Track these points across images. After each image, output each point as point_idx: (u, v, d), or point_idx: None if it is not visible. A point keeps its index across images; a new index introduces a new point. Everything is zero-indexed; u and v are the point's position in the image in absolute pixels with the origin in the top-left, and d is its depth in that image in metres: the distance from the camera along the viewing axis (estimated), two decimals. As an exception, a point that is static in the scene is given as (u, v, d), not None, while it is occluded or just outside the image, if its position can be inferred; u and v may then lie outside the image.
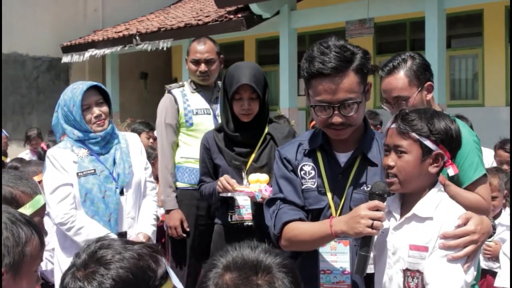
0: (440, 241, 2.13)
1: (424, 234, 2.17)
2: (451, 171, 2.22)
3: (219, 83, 4.34)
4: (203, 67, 4.19)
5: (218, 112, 4.18)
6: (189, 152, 4.14)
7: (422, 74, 2.81)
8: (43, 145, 5.17)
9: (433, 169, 2.21)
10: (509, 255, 3.23)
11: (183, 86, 4.29)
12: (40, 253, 1.73)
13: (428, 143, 2.19)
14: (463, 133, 2.59)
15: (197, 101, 4.22)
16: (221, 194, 3.47)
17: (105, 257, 1.48)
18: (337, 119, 2.32)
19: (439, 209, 2.20)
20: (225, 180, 3.37)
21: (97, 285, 1.44)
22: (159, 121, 4.22)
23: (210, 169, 3.59)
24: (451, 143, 2.22)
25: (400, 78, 2.79)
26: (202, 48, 4.23)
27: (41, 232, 1.76)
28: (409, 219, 2.22)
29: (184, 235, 4.06)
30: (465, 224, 2.14)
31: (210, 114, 4.20)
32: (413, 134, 2.19)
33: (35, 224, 1.76)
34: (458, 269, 2.11)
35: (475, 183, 2.52)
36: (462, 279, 2.10)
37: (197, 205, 4.10)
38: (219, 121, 4.13)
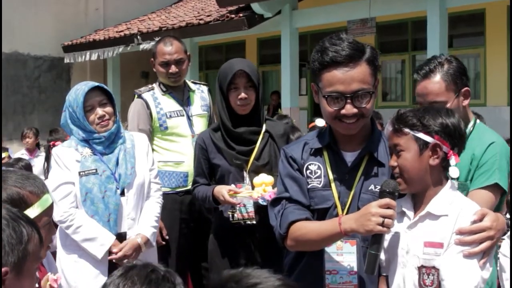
0: (455, 237, 2.13)
1: (439, 231, 2.17)
2: (453, 161, 2.21)
3: (188, 82, 4.30)
4: (173, 68, 4.11)
5: (191, 113, 4.14)
6: (166, 156, 4.08)
7: (459, 79, 2.68)
8: (54, 143, 5.20)
9: (433, 161, 2.21)
10: (508, 256, 3.22)
11: (153, 89, 4.19)
12: (40, 252, 1.71)
13: (421, 135, 2.20)
14: (496, 140, 2.58)
15: (169, 103, 4.14)
16: (220, 207, 3.43)
17: None
18: (349, 109, 2.27)
19: (454, 206, 2.20)
20: (226, 195, 3.29)
21: None
22: (132, 127, 4.08)
23: (206, 170, 3.52)
24: (450, 133, 2.22)
25: (437, 82, 2.66)
26: (170, 49, 4.14)
27: (40, 231, 1.74)
28: (423, 217, 2.22)
29: (164, 242, 3.95)
30: (480, 220, 2.14)
31: (183, 115, 4.12)
32: (406, 130, 2.21)
33: (34, 222, 1.74)
34: (475, 265, 2.12)
35: (483, 188, 2.51)
36: (479, 275, 2.11)
37: (180, 208, 4.05)
38: (193, 122, 4.11)
